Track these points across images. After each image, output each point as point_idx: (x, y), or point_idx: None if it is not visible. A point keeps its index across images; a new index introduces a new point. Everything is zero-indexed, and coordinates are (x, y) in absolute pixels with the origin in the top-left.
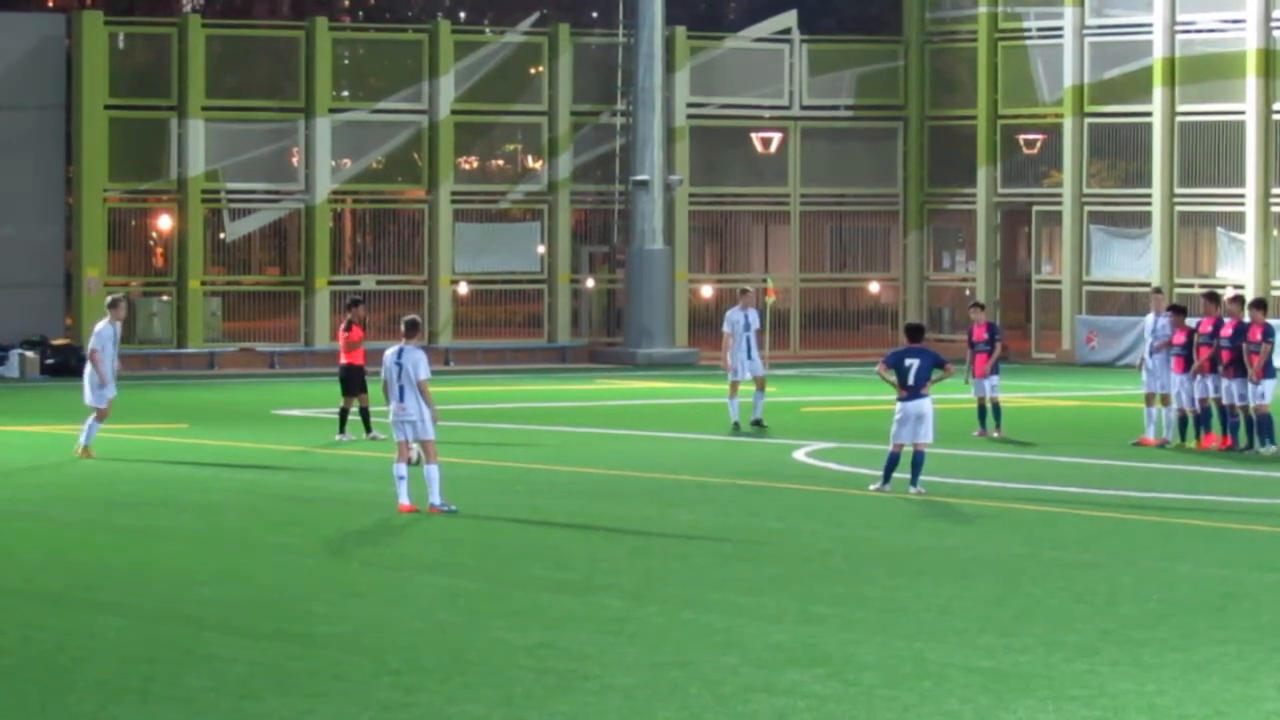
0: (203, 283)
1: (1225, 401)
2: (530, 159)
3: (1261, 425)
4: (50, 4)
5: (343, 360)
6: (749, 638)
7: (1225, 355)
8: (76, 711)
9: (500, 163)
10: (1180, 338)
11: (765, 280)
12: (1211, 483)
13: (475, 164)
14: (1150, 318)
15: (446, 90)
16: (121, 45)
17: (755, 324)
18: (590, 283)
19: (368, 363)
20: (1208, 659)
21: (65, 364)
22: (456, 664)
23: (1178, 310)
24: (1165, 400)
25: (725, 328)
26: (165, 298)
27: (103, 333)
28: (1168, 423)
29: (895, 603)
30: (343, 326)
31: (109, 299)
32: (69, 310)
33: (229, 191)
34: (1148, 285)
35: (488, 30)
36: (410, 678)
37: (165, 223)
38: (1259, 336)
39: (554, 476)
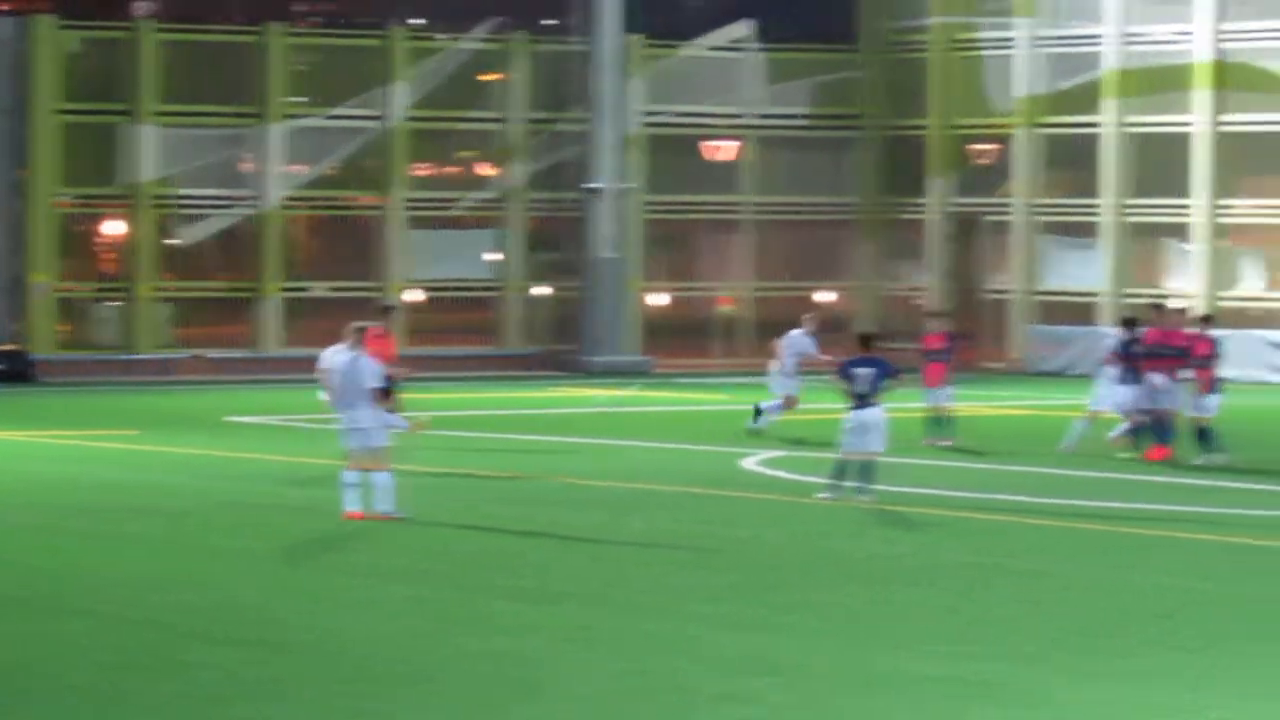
0: (154, 288)
1: (1168, 411)
2: (485, 166)
3: (1203, 436)
4: (4, 8)
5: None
6: (706, 646)
7: (1171, 365)
8: (45, 719)
9: (455, 170)
10: (1139, 347)
11: (721, 292)
12: (1158, 492)
13: (430, 171)
14: (1118, 330)
15: (402, 97)
16: (75, 50)
17: (811, 349)
18: (544, 290)
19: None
20: (1157, 667)
21: (13, 370)
22: (419, 671)
23: (1129, 323)
24: (1105, 413)
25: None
26: (115, 303)
27: (335, 359)
28: (1111, 430)
29: (848, 610)
30: (375, 334)
31: (353, 325)
32: (17, 316)
33: (182, 197)
34: (1098, 295)
35: (444, 37)
36: (373, 684)
37: (117, 228)
38: (1206, 350)
39: (508, 484)
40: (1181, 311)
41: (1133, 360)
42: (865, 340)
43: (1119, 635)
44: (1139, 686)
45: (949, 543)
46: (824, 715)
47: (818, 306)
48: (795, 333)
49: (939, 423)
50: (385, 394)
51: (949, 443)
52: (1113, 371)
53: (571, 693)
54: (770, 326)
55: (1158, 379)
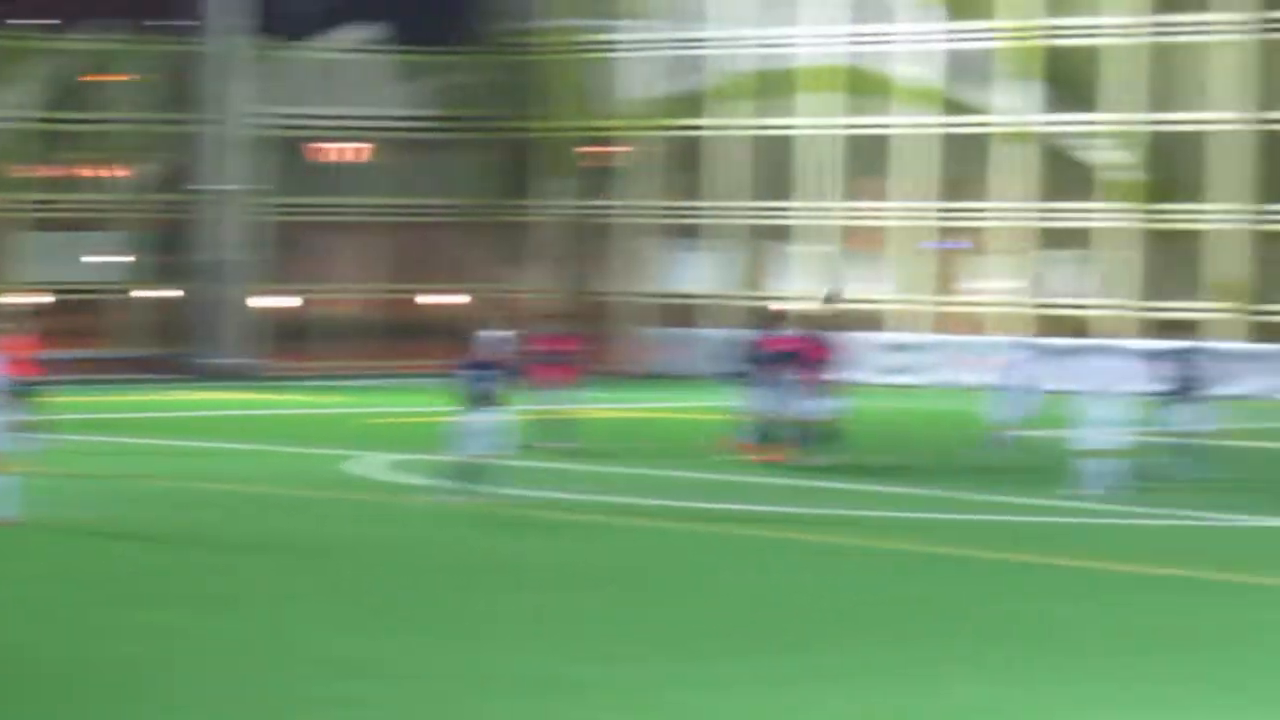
0: None
1: (782, 413)
2: (105, 167)
3: (818, 436)
4: None
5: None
6: (317, 647)
7: (790, 368)
8: None
9: (75, 171)
10: (758, 351)
11: (345, 294)
12: (772, 494)
13: (49, 172)
14: (741, 333)
15: (19, 97)
16: None
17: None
18: (163, 292)
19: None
20: (767, 668)
21: None
22: (26, 678)
23: (755, 326)
24: (759, 413)
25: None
26: None
27: None
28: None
29: (458, 612)
30: (20, 338)
31: None
32: None
33: None
34: (714, 298)
35: (63, 37)
36: None
37: None
38: (821, 352)
39: (124, 487)
40: (797, 314)
41: (755, 363)
42: (488, 343)
43: (732, 637)
44: (752, 688)
45: (563, 545)
46: (433, 717)
47: (504, 303)
48: (487, 333)
49: (557, 425)
50: (11, 397)
51: (568, 445)
52: (744, 373)
53: (180, 697)
54: (395, 328)
55: (774, 381)
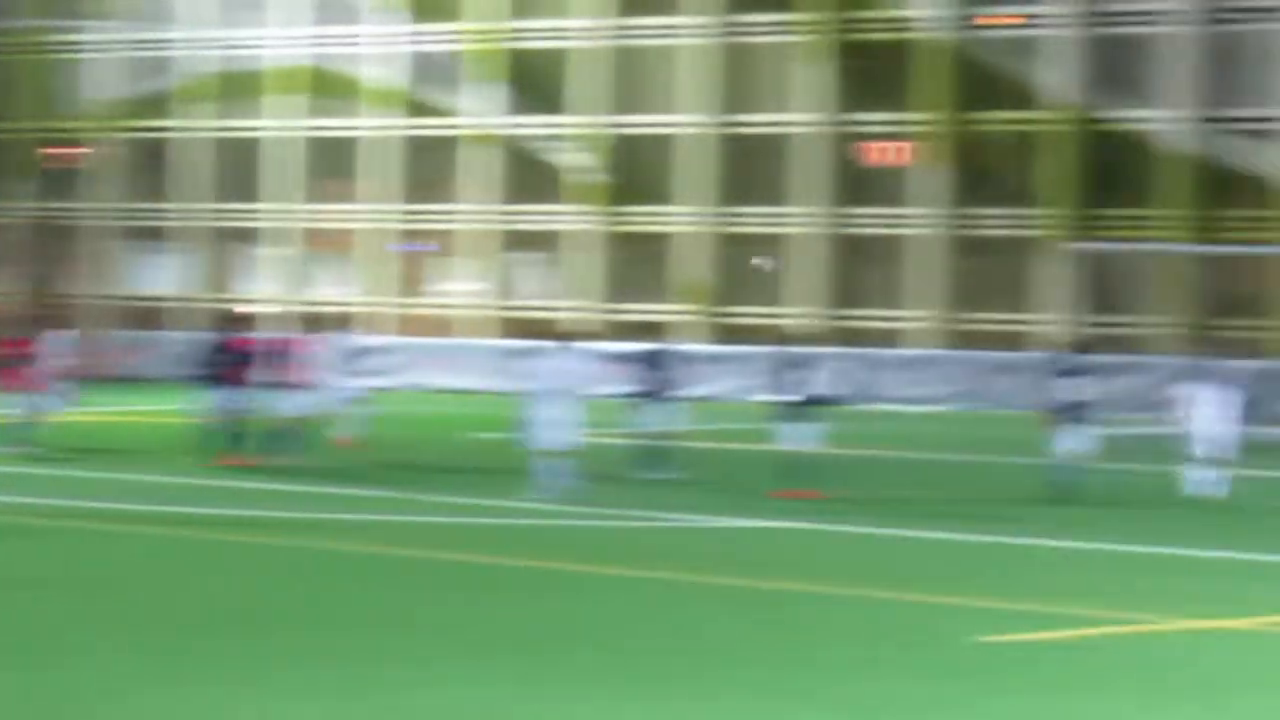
0: None
1: (251, 416)
2: None
3: (284, 438)
4: None
5: None
6: None
7: (256, 370)
8: None
9: None
10: (221, 355)
11: None
12: (235, 497)
13: None
14: (218, 336)
15: None
16: None
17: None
18: None
19: None
20: (244, 672)
21: None
22: None
23: (232, 326)
24: (225, 416)
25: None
26: None
27: None
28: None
29: None
30: None
31: None
32: None
33: None
34: (176, 300)
35: None
36: None
37: None
38: (286, 353)
39: None
40: (264, 315)
41: (220, 365)
42: None
43: (216, 640)
44: (231, 692)
45: (19, 548)
46: None
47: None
48: (56, 335)
49: (17, 429)
50: None
51: (29, 450)
52: (209, 375)
53: None
54: None
55: (239, 382)
